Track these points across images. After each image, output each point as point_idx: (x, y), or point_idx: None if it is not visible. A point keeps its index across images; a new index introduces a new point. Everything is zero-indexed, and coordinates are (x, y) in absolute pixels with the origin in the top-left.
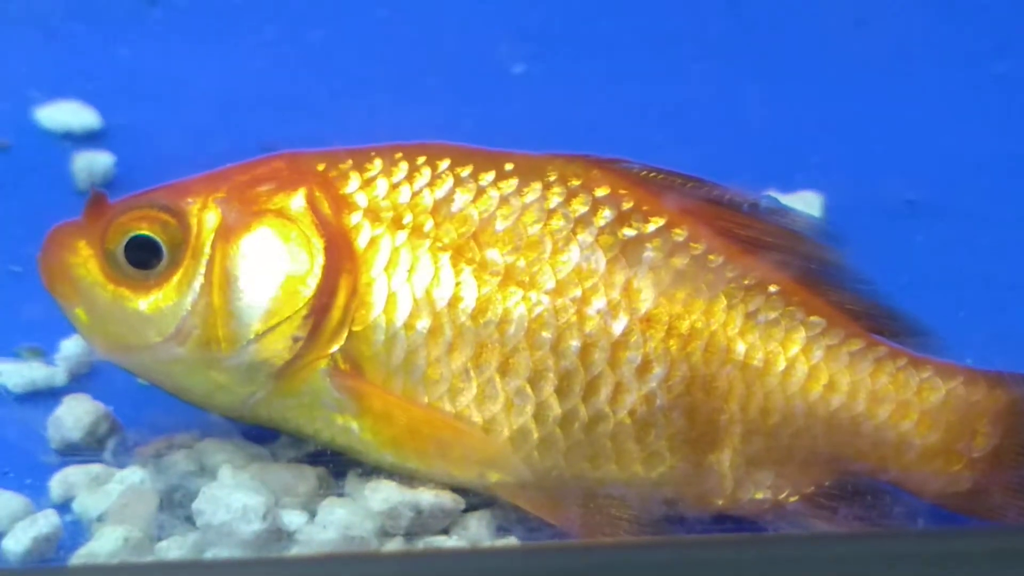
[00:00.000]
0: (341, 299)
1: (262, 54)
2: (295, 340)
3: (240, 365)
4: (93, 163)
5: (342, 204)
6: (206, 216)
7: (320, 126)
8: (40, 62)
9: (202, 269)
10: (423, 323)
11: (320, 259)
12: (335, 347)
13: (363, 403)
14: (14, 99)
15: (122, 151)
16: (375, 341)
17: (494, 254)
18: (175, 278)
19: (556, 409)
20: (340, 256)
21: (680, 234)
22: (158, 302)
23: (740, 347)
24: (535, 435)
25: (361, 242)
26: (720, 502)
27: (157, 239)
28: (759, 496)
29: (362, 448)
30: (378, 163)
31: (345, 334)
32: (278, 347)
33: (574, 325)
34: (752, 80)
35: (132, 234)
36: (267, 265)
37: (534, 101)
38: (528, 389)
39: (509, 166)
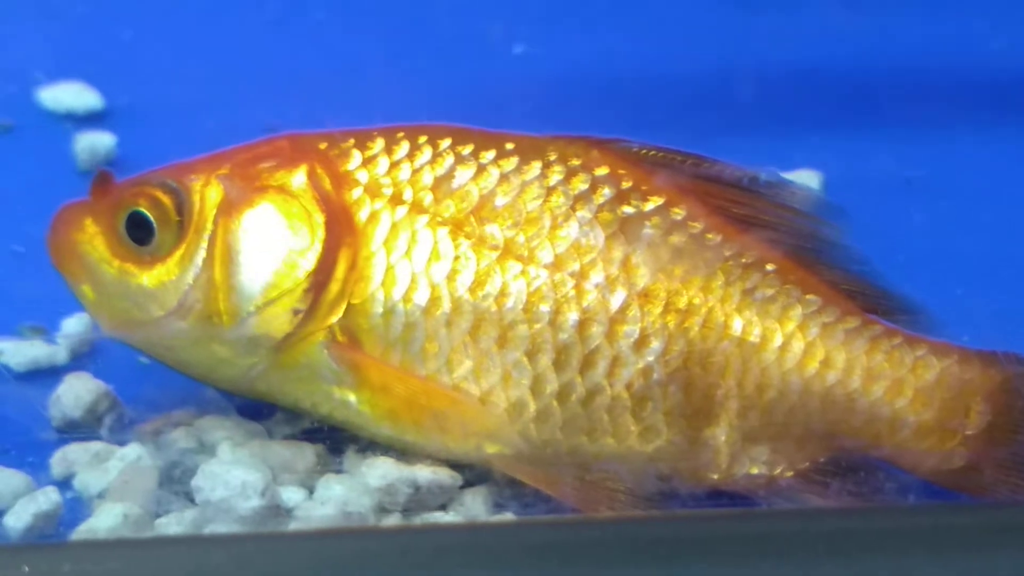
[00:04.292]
0: (340, 272)
1: (264, 35)
2: (295, 313)
3: (241, 338)
4: (95, 144)
5: (343, 180)
6: (209, 192)
7: (322, 107)
8: (43, 43)
9: (204, 244)
10: (421, 296)
11: (321, 234)
12: (333, 320)
13: (361, 375)
14: (17, 80)
15: (124, 132)
16: (373, 314)
17: (493, 229)
18: (178, 253)
19: (553, 382)
20: (341, 231)
21: (679, 213)
22: (161, 277)
23: (737, 323)
24: (532, 407)
25: (361, 217)
26: (715, 476)
27: (149, 216)
28: (754, 471)
29: (359, 421)
30: (380, 142)
31: (343, 307)
32: (279, 320)
33: (572, 299)
34: (750, 58)
35: (131, 211)
36: (268, 239)
37: (533, 82)
38: (525, 362)
39: (510, 146)
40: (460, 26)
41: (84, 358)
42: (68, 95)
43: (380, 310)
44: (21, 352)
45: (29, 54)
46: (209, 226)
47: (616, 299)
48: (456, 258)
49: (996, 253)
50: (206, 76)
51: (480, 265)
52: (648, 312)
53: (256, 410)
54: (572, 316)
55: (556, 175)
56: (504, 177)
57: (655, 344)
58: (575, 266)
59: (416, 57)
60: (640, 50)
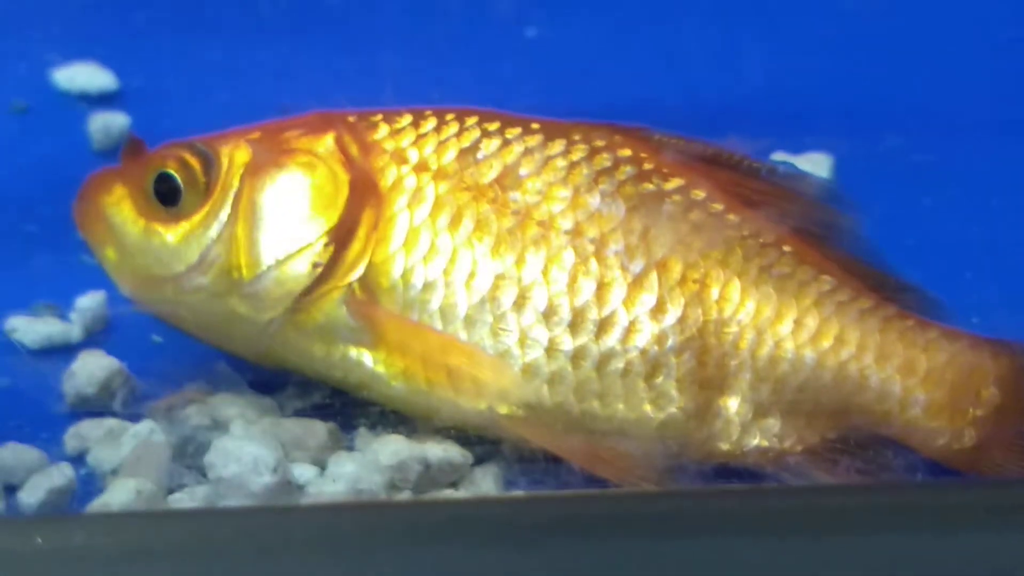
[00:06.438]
0: (362, 232)
1: (277, 16)
2: (315, 267)
3: (260, 291)
4: (109, 124)
5: (370, 148)
6: (237, 154)
7: (334, 89)
8: (57, 24)
9: (230, 201)
10: (441, 257)
11: (344, 192)
12: (353, 277)
13: (378, 331)
14: (31, 61)
15: (138, 112)
16: (393, 273)
17: (516, 196)
18: (203, 211)
19: (568, 345)
20: (364, 192)
21: (699, 194)
22: (186, 233)
23: (753, 296)
24: (546, 370)
25: (386, 181)
26: (725, 447)
27: (177, 177)
28: (764, 444)
29: (373, 382)
30: (408, 117)
31: (363, 265)
32: (298, 273)
33: (591, 265)
34: (762, 41)
35: (159, 171)
36: (292, 197)
37: (547, 65)
38: (542, 324)
39: (535, 126)
40: (471, 8)
41: (98, 335)
42: (82, 76)
43: (400, 270)
44: (35, 329)
45: (43, 35)
46: (235, 184)
47: (635, 267)
48: (478, 221)
49: (1006, 237)
50: (219, 57)
51: (501, 229)
52: (665, 281)
53: (268, 384)
54: (590, 281)
55: (580, 153)
56: (528, 151)
57: (671, 312)
58: (595, 234)
59: (428, 41)
60: (651, 33)
